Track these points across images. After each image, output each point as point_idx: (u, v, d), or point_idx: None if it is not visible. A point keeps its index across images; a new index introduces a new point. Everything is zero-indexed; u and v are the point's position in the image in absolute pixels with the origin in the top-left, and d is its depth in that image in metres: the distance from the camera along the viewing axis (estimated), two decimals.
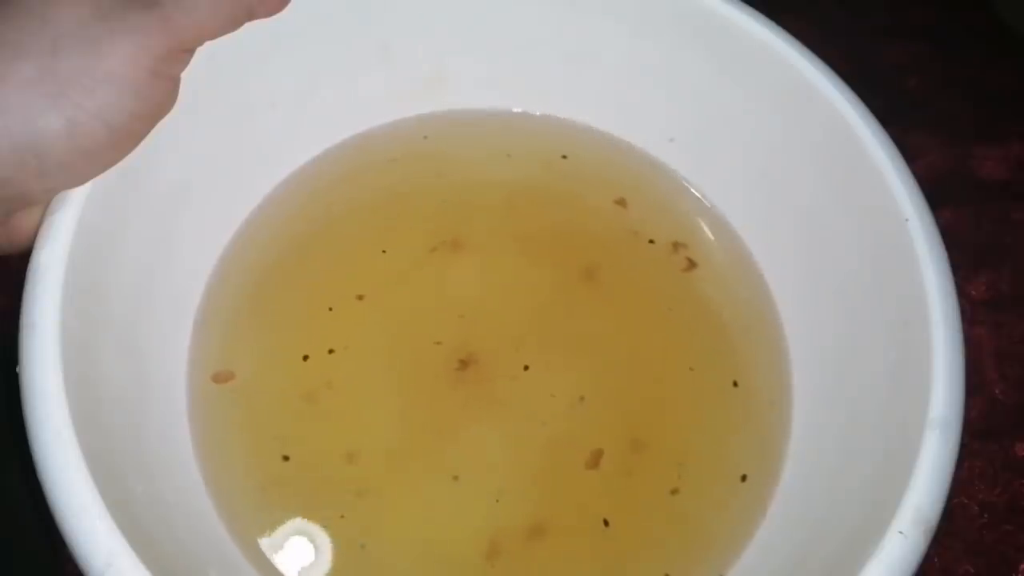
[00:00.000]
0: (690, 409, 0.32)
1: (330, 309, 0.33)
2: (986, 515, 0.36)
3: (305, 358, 0.32)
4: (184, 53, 0.26)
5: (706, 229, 0.35)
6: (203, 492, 0.30)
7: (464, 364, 0.32)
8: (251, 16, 0.28)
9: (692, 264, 0.34)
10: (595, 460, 0.31)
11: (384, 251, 0.34)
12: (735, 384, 0.32)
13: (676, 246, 0.34)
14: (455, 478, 0.30)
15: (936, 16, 0.47)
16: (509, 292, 0.34)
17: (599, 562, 0.30)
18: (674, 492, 0.31)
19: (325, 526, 0.30)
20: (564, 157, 0.36)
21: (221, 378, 0.31)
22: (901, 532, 0.24)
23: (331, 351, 0.32)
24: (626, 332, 0.33)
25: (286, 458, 0.31)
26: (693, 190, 0.35)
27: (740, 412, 0.32)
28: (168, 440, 0.29)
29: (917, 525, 0.24)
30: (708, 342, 0.33)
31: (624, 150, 0.36)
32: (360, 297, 0.33)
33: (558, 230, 0.35)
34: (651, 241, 0.35)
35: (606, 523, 0.30)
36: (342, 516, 0.30)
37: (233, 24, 0.27)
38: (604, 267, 0.34)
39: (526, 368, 0.32)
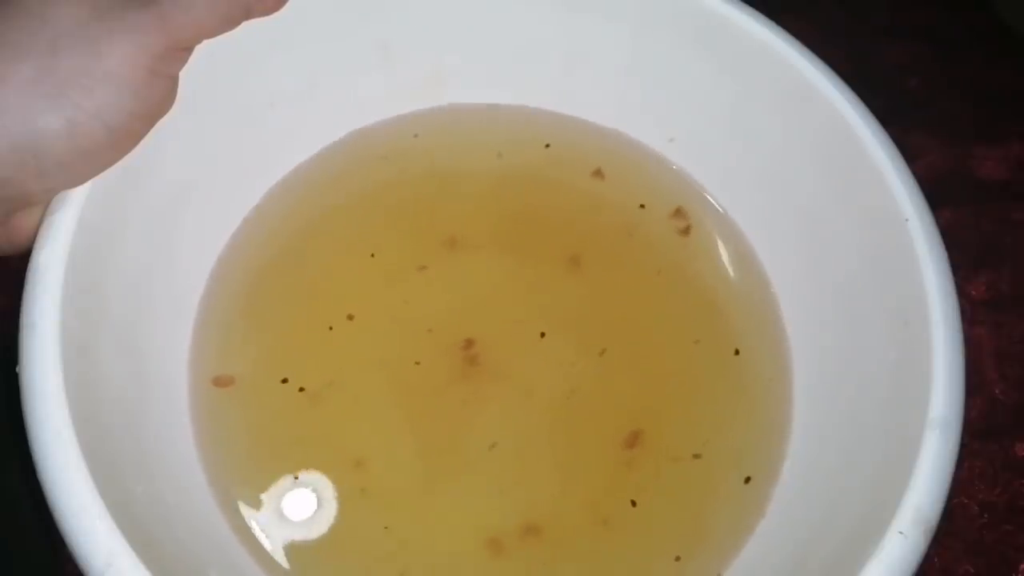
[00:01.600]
0: (695, 396, 0.32)
1: (332, 308, 0.33)
2: (986, 515, 0.36)
3: (307, 357, 0.32)
4: (182, 52, 0.26)
5: (710, 222, 0.35)
6: (204, 492, 0.30)
7: (471, 357, 0.32)
8: (248, 15, 0.28)
9: (687, 230, 0.34)
10: (633, 440, 0.31)
11: (385, 249, 0.34)
12: (736, 352, 0.33)
13: (679, 211, 0.35)
14: (492, 446, 0.31)
15: (936, 16, 0.47)
16: (510, 284, 0.34)
17: (619, 544, 0.30)
18: (688, 472, 0.31)
19: (329, 524, 0.30)
20: (548, 146, 0.36)
21: (222, 382, 0.31)
22: (901, 532, 0.24)
23: (334, 349, 0.32)
24: (627, 316, 0.33)
25: (288, 457, 0.31)
26: (695, 186, 0.35)
27: (742, 400, 0.32)
28: (168, 440, 0.29)
29: (917, 525, 0.24)
30: (709, 324, 0.33)
31: (622, 141, 0.36)
32: (362, 295, 0.33)
33: (561, 219, 0.35)
34: (642, 206, 0.35)
35: (633, 503, 0.30)
36: (347, 513, 0.30)
37: (230, 23, 0.27)
38: (610, 255, 0.34)
39: (542, 335, 0.32)
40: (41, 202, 0.26)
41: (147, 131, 0.26)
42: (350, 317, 0.33)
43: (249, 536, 0.29)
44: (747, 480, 0.31)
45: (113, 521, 0.23)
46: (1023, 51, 0.46)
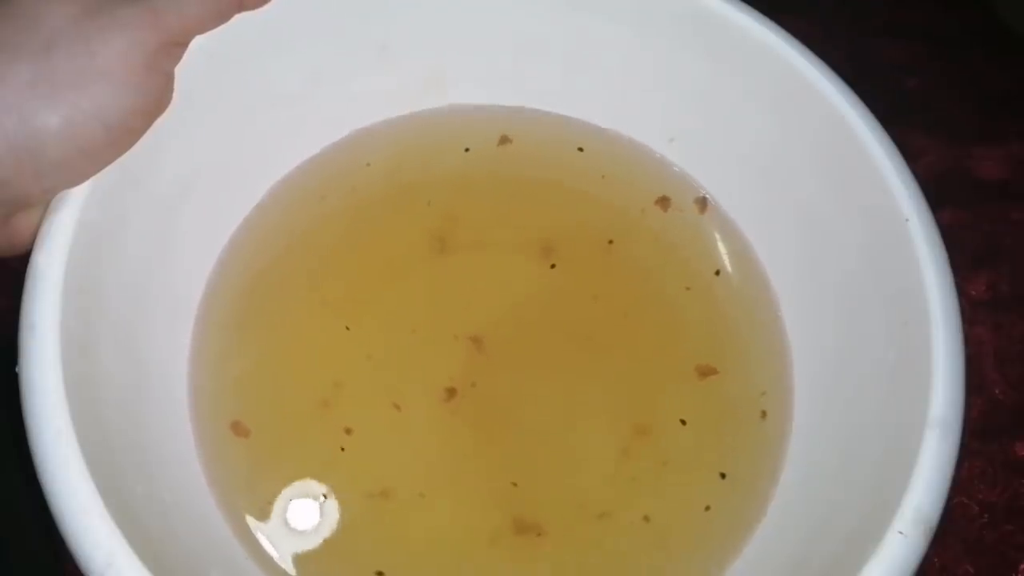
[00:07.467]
0: (692, 395, 0.32)
1: (332, 307, 0.33)
2: (986, 515, 0.36)
3: (308, 357, 0.32)
4: (176, 48, 0.26)
5: (709, 222, 0.35)
6: (204, 492, 0.30)
7: (473, 354, 0.32)
8: (241, 7, 0.28)
9: (687, 231, 0.34)
10: (632, 438, 0.31)
11: (387, 248, 0.34)
12: (736, 352, 0.33)
13: (679, 211, 0.35)
14: (495, 446, 0.30)
15: (936, 16, 0.47)
16: (510, 284, 0.34)
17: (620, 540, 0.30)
18: (688, 473, 0.31)
19: (329, 520, 0.30)
20: (547, 146, 0.36)
21: (240, 431, 0.31)
22: (901, 532, 0.24)
23: (335, 350, 0.32)
24: (627, 317, 0.33)
25: (288, 458, 0.31)
26: (695, 186, 0.35)
27: (741, 401, 0.32)
28: (168, 440, 0.29)
29: (917, 525, 0.24)
30: (708, 323, 0.33)
31: (622, 141, 0.36)
32: (363, 294, 0.33)
33: (561, 219, 0.35)
34: (642, 206, 0.35)
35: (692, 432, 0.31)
36: (347, 515, 0.30)
37: (222, 17, 0.27)
38: (611, 255, 0.34)
39: (543, 335, 0.33)
40: (40, 203, 0.26)
41: (145, 128, 0.26)
42: (350, 316, 0.33)
43: (249, 536, 0.29)
44: (747, 481, 0.31)
45: (113, 521, 0.23)
46: (1023, 51, 0.46)
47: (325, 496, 0.30)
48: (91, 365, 0.26)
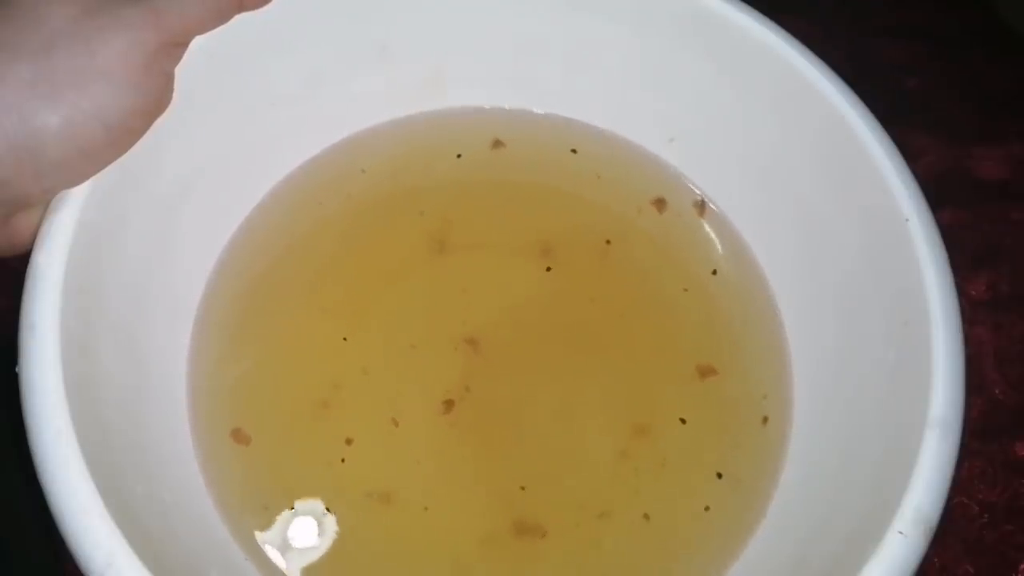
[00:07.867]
0: (692, 394, 0.32)
1: (332, 309, 0.33)
2: (986, 515, 0.36)
3: (308, 358, 0.32)
4: (176, 48, 0.26)
5: (709, 223, 0.35)
6: (203, 492, 0.30)
7: (471, 356, 0.32)
8: (241, 7, 0.28)
9: (687, 231, 0.34)
10: (631, 440, 0.31)
11: (386, 249, 0.34)
12: (735, 352, 0.33)
13: (678, 212, 0.34)
14: (493, 450, 0.30)
15: (936, 16, 0.47)
16: (508, 286, 0.34)
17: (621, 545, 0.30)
18: (688, 473, 0.30)
19: (328, 525, 0.30)
20: (548, 147, 0.36)
21: (240, 438, 0.31)
22: (901, 532, 0.24)
23: (334, 351, 0.32)
24: (626, 318, 0.33)
25: (287, 459, 0.31)
26: (694, 187, 0.35)
27: (741, 401, 0.32)
28: (168, 440, 0.29)
29: (917, 525, 0.24)
30: (707, 324, 0.33)
31: (622, 141, 0.36)
32: (362, 294, 0.33)
33: (561, 220, 0.35)
34: (641, 207, 0.35)
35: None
36: (345, 514, 0.30)
37: (222, 17, 0.27)
38: (610, 256, 0.34)
39: (542, 336, 0.33)
40: (40, 203, 0.26)
41: (145, 129, 0.26)
42: (348, 324, 0.33)
43: (248, 537, 0.29)
44: (747, 481, 0.31)
45: (113, 521, 0.23)
46: (1023, 51, 0.46)
47: (325, 500, 0.30)
48: (91, 365, 0.26)
